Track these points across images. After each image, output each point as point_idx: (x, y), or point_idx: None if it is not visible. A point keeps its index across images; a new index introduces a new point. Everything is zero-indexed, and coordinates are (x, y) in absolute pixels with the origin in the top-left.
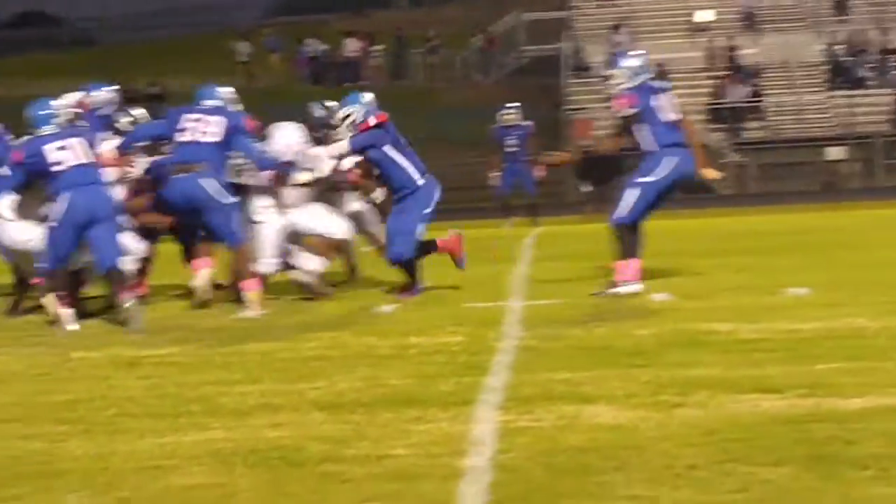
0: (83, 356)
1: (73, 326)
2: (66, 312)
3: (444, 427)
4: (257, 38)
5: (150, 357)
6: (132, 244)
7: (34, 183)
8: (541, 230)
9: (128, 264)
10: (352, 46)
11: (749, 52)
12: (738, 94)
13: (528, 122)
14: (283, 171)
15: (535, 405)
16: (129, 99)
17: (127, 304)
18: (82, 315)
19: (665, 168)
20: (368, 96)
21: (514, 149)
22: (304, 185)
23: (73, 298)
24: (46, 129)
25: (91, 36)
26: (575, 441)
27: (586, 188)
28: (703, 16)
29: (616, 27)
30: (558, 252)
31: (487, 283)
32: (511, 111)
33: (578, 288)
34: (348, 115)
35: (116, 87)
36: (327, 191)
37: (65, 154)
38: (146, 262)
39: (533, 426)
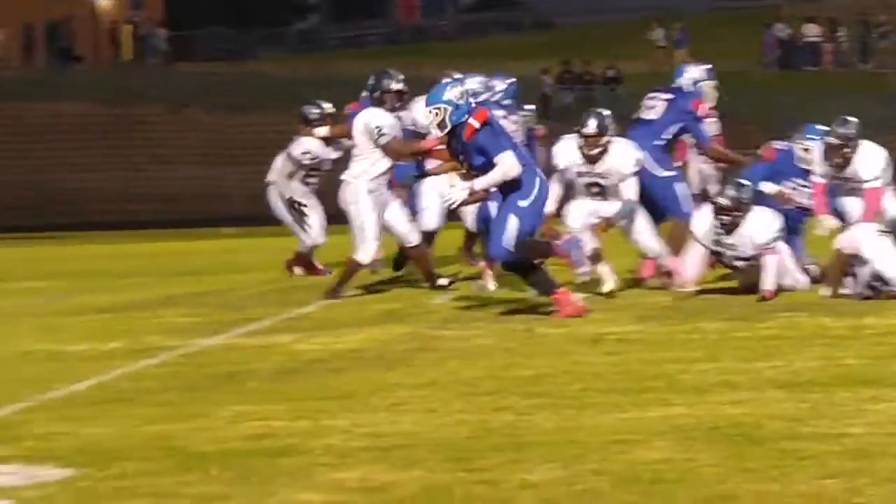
0: (548, 332)
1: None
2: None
3: None
4: (701, 24)
5: (612, 334)
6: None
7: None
8: None
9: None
10: (812, 31)
11: None
12: None
13: None
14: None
15: None
16: (587, 81)
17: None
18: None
19: None
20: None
21: None
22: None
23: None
24: (507, 101)
25: (551, 19)
26: None
27: None
28: None
29: None
30: None
31: None
32: None
33: None
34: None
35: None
36: None
37: (509, 125)
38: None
39: None
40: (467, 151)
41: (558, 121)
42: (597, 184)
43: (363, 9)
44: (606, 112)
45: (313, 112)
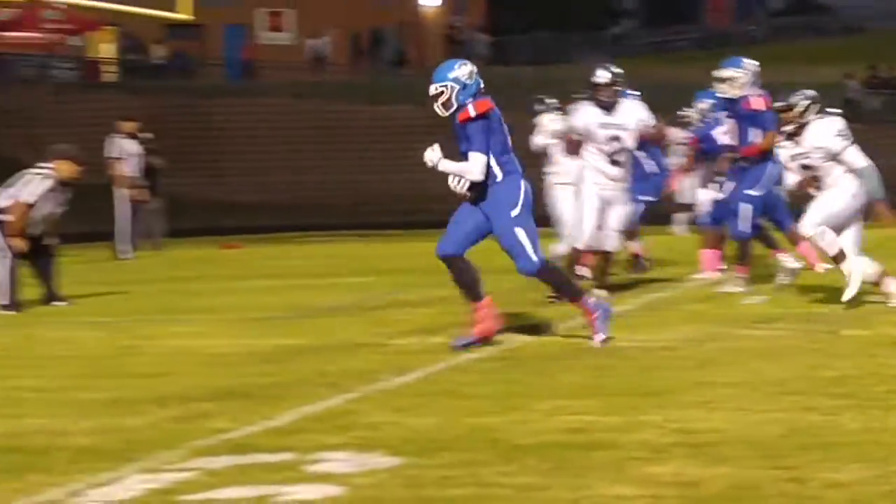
0: (853, 334)
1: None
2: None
3: None
4: None
5: None
6: None
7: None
8: None
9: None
10: None
11: None
12: None
13: None
14: None
15: None
16: (894, 86)
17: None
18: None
19: None
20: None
21: None
22: None
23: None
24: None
25: (859, 24)
26: None
27: None
28: None
29: None
30: None
31: None
32: None
33: None
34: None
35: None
36: None
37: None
38: None
39: None
40: (459, 134)
41: (867, 125)
42: (808, 167)
43: (675, 14)
44: (809, 92)
45: (538, 106)
